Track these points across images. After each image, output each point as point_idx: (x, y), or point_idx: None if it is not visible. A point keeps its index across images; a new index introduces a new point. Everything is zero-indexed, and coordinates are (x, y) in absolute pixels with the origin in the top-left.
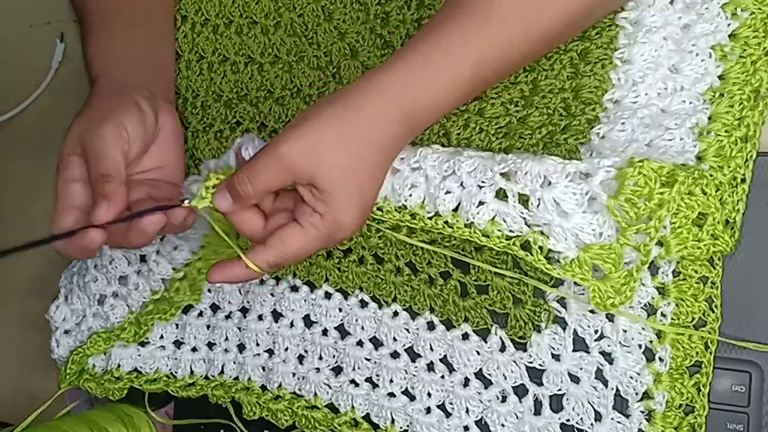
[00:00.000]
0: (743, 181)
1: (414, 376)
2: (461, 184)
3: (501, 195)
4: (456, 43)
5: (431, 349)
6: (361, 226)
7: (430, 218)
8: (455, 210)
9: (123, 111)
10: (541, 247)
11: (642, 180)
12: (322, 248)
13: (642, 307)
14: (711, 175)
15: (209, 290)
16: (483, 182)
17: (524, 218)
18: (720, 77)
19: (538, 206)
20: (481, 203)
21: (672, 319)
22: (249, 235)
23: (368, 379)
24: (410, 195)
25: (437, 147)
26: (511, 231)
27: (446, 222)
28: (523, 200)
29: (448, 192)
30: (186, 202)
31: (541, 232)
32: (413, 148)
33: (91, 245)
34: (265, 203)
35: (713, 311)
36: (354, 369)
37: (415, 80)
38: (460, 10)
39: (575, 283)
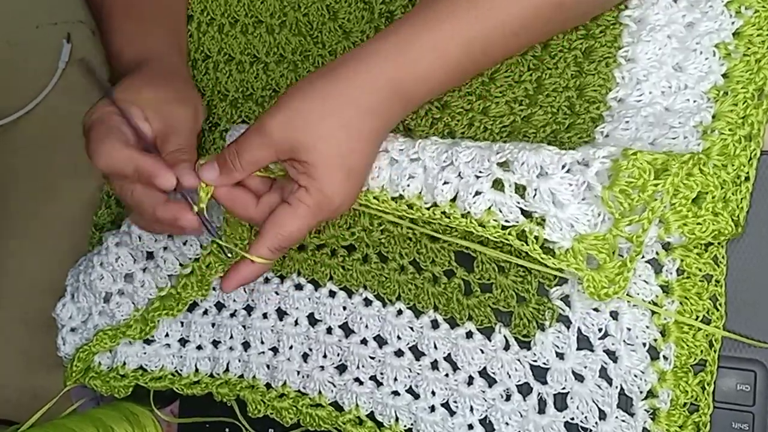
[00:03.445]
0: (747, 179)
1: (418, 374)
2: (459, 174)
3: (498, 185)
4: (445, 17)
5: (435, 347)
6: (354, 197)
7: (428, 209)
8: (453, 200)
9: (194, 98)
10: (536, 237)
11: (636, 172)
12: (318, 222)
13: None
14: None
15: (214, 288)
16: (480, 172)
17: (520, 208)
18: (724, 75)
19: (534, 196)
20: (477, 193)
21: (676, 319)
22: (243, 215)
23: (372, 378)
24: (408, 185)
25: (436, 138)
26: (507, 221)
27: (444, 212)
28: (520, 190)
29: (445, 182)
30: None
31: (537, 222)
32: (413, 140)
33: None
34: (258, 186)
35: (717, 309)
36: (358, 367)
37: (403, 51)
38: None
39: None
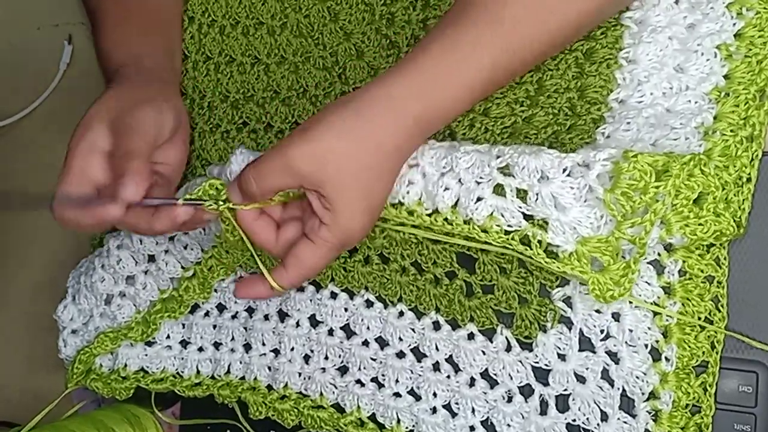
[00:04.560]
0: (749, 180)
1: (420, 376)
2: (459, 180)
3: (499, 190)
4: (469, 47)
5: (437, 349)
6: (371, 227)
7: (428, 215)
8: (454, 206)
9: (165, 99)
10: (540, 241)
11: (637, 174)
12: (338, 255)
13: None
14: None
15: (215, 290)
16: (481, 178)
17: (522, 212)
18: (725, 77)
19: (536, 200)
20: (479, 199)
21: (678, 318)
22: (262, 244)
23: (374, 379)
24: (408, 192)
25: (433, 142)
26: (509, 226)
27: (446, 219)
28: (521, 194)
29: (446, 189)
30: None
31: (540, 226)
32: None
33: (108, 218)
34: (274, 212)
35: (719, 311)
36: (360, 369)
37: (428, 86)
38: (470, 12)
39: (581, 283)
